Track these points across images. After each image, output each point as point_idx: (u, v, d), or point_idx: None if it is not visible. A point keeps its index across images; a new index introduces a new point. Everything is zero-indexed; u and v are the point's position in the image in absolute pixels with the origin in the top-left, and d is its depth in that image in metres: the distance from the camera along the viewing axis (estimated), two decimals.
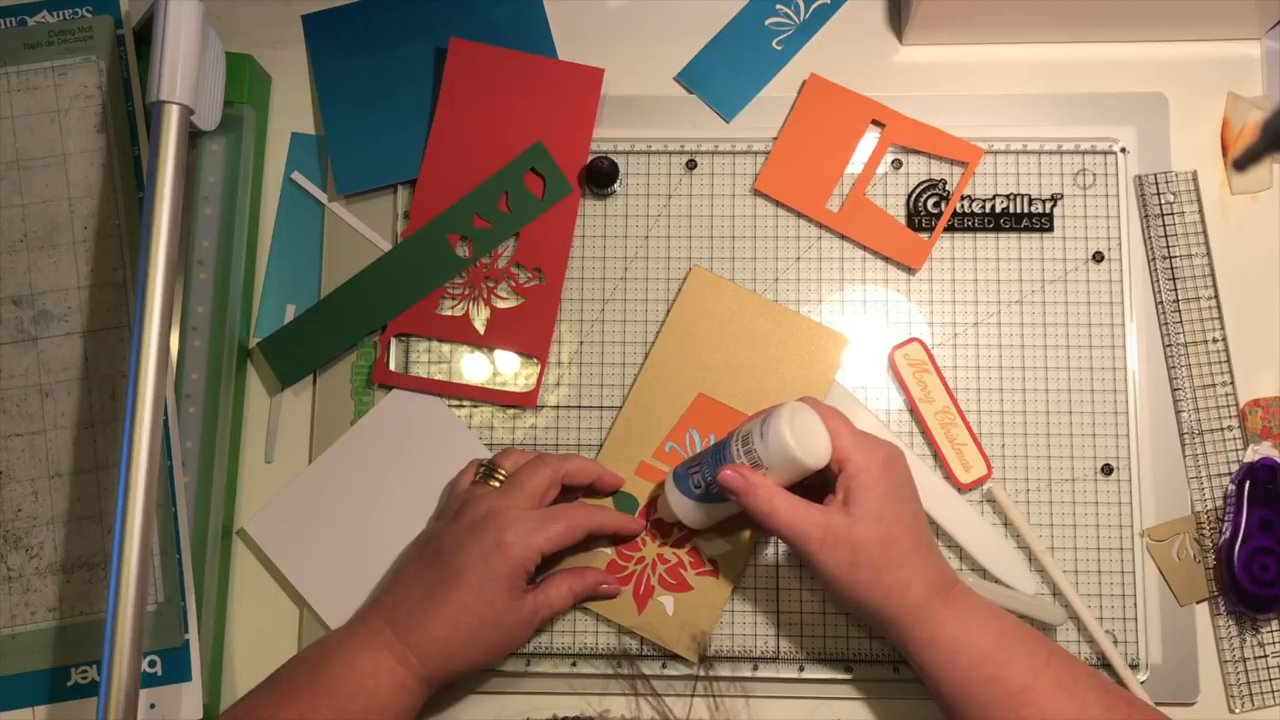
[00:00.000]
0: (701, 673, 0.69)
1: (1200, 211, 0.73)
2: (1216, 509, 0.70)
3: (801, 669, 0.70)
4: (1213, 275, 0.72)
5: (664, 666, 0.70)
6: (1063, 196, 0.73)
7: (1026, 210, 0.73)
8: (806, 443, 0.61)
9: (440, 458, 0.72)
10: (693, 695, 0.69)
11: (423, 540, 0.68)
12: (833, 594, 0.63)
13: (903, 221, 0.73)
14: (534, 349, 0.73)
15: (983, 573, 0.70)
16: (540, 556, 0.64)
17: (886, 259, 0.73)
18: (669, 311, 0.73)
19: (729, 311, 0.72)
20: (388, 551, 0.70)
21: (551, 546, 0.64)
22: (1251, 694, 0.69)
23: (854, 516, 0.60)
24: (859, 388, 0.72)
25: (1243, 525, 0.68)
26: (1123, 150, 0.74)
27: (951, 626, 0.60)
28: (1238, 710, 0.69)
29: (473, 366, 0.73)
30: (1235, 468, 0.71)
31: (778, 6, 0.77)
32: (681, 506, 0.66)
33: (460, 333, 0.73)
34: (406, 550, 0.69)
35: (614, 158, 0.73)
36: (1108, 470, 0.71)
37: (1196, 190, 0.73)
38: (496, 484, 0.67)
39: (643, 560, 0.70)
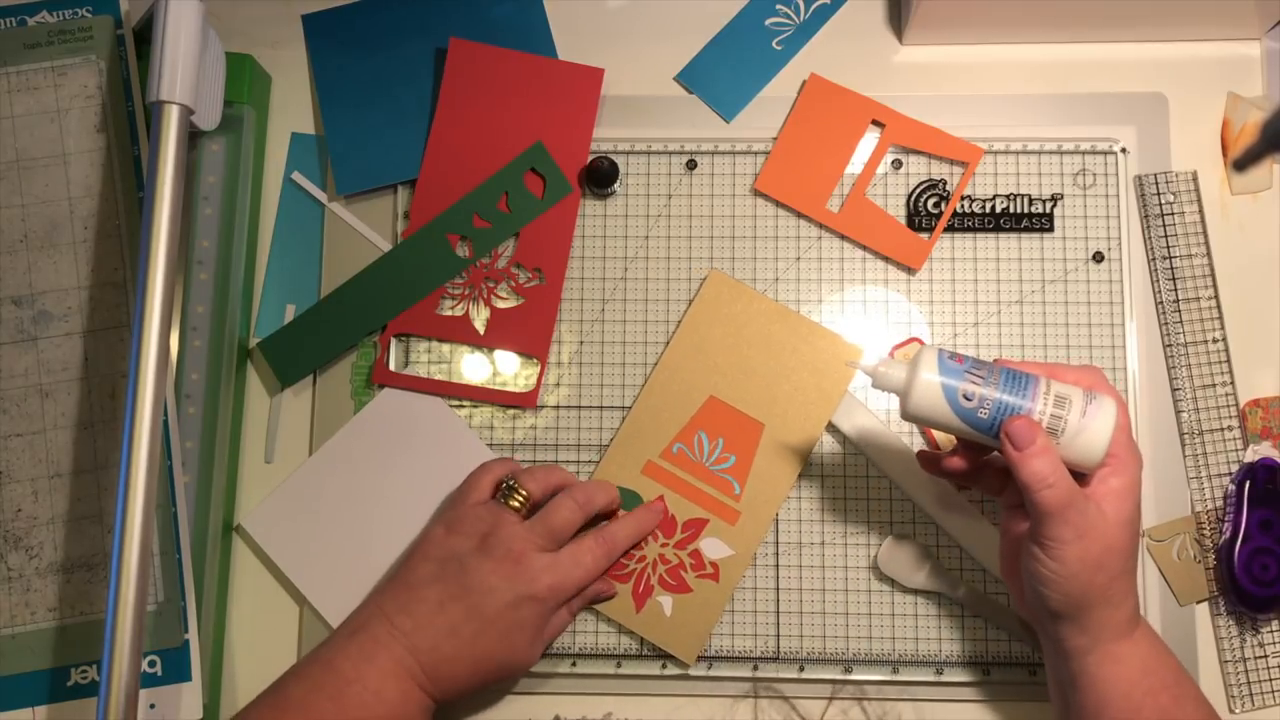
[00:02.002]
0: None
1: (1200, 211, 0.73)
2: (1216, 509, 0.70)
3: (801, 669, 0.70)
4: (1213, 275, 0.72)
5: (664, 667, 0.70)
6: (1063, 196, 0.73)
7: (1026, 210, 0.73)
8: (1106, 446, 0.56)
9: (437, 451, 0.72)
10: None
11: (440, 557, 0.64)
12: (1043, 583, 0.57)
13: (903, 221, 0.73)
14: (534, 349, 0.73)
15: (984, 573, 0.70)
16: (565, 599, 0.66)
17: (886, 259, 0.73)
18: (685, 313, 0.72)
19: (745, 316, 0.72)
20: (385, 545, 0.71)
21: (576, 591, 0.66)
22: (1251, 694, 0.69)
23: (1112, 521, 0.57)
24: (859, 387, 0.72)
25: (1243, 525, 0.68)
26: (1123, 150, 0.74)
27: (1144, 649, 0.59)
28: (1238, 710, 0.69)
29: (473, 366, 0.73)
30: (1235, 468, 0.71)
31: (778, 6, 0.77)
32: (927, 393, 0.57)
33: (460, 333, 0.73)
34: (418, 555, 0.65)
35: (614, 158, 0.73)
36: None
37: (1196, 190, 0.73)
38: (517, 505, 0.66)
39: (644, 559, 0.70)
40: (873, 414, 0.71)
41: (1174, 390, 0.72)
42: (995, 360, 0.59)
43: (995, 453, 0.60)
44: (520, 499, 0.66)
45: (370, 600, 0.65)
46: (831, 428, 0.71)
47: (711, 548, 0.70)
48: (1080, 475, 0.57)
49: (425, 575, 0.64)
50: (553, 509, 0.66)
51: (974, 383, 0.57)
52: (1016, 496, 0.59)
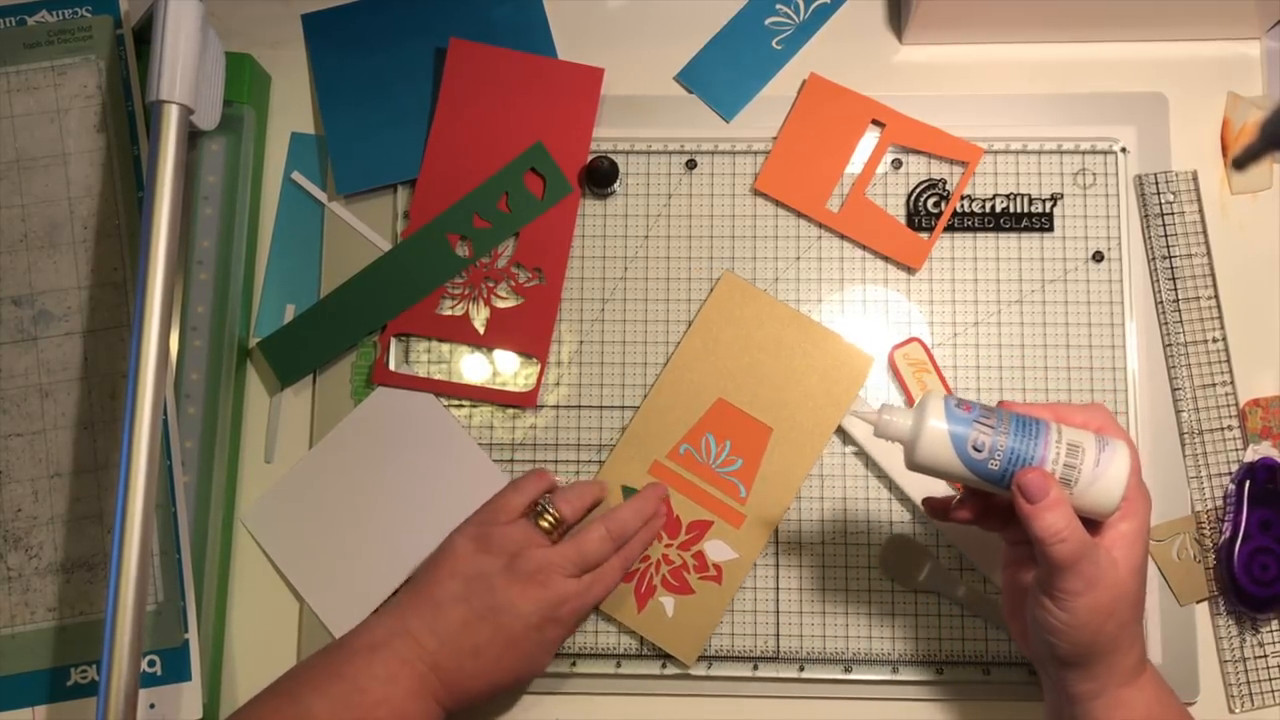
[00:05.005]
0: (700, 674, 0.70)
1: (1200, 211, 0.73)
2: (1216, 509, 0.70)
3: (801, 669, 0.70)
4: (1213, 275, 0.72)
5: (664, 667, 0.70)
6: (1063, 196, 0.73)
7: (1026, 210, 0.73)
8: (1121, 496, 0.55)
9: (430, 448, 0.72)
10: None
11: (467, 574, 0.64)
12: (1051, 632, 0.56)
13: (903, 221, 0.73)
14: (534, 349, 0.73)
15: (984, 580, 0.70)
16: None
17: (886, 259, 0.73)
18: (696, 314, 0.72)
19: (756, 320, 0.72)
20: (379, 542, 0.71)
21: (595, 605, 0.68)
22: (1251, 694, 0.69)
23: (1123, 568, 0.56)
24: (868, 391, 0.72)
25: (1243, 525, 0.68)
26: (1123, 150, 0.74)
27: (1149, 694, 0.58)
28: (1238, 710, 0.69)
29: (472, 366, 0.73)
30: (1235, 468, 0.71)
31: (778, 6, 0.77)
32: (934, 442, 0.55)
33: (460, 333, 0.73)
34: (444, 571, 0.65)
35: (614, 158, 0.73)
36: None
37: (1196, 190, 0.73)
38: (547, 526, 0.66)
39: (647, 559, 0.70)
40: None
41: (1174, 390, 0.72)
42: (1000, 403, 0.57)
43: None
44: (551, 520, 0.66)
45: (393, 613, 0.64)
46: (839, 432, 0.71)
47: (715, 550, 0.70)
48: (1091, 521, 0.56)
49: (452, 593, 0.64)
50: (585, 540, 0.65)
51: (983, 431, 0.55)
52: (1019, 533, 0.58)
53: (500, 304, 0.73)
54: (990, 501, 0.59)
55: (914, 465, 0.56)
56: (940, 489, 0.67)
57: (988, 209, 0.73)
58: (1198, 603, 0.70)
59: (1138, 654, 0.58)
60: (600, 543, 0.66)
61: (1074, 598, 0.55)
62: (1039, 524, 0.54)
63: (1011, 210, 0.73)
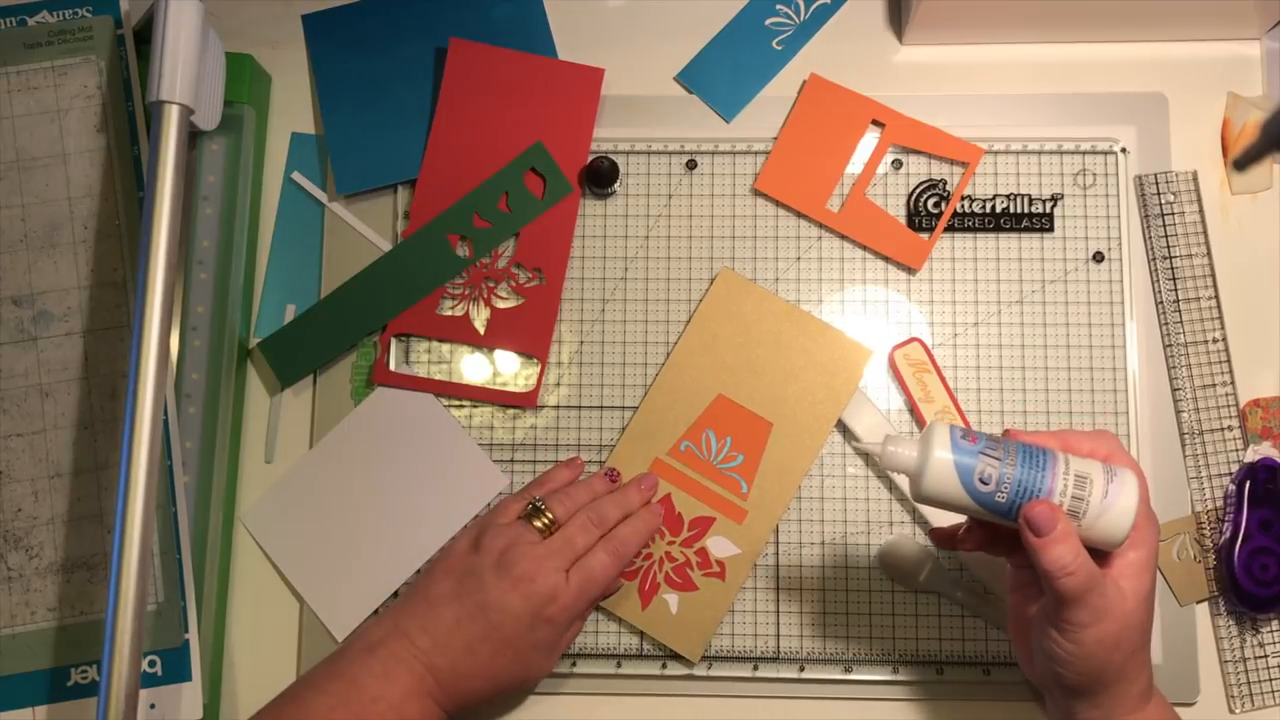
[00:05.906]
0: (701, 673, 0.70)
1: (1200, 211, 0.73)
2: (1216, 509, 0.70)
3: (801, 669, 0.70)
4: (1213, 275, 0.72)
5: (664, 667, 0.70)
6: (1063, 196, 0.73)
7: (1026, 210, 0.73)
8: (1130, 527, 0.54)
9: (429, 447, 0.72)
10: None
11: (460, 572, 0.65)
12: (1059, 662, 0.56)
13: (903, 221, 0.73)
14: (534, 349, 0.73)
15: (984, 587, 0.70)
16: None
17: (886, 259, 0.73)
18: (694, 311, 0.72)
19: (755, 315, 0.72)
20: (379, 541, 0.71)
21: (591, 606, 0.67)
22: (1251, 694, 0.69)
23: (1130, 598, 0.55)
24: (859, 387, 0.72)
25: (1243, 525, 0.68)
26: (1123, 150, 0.74)
27: None
28: (1238, 710, 0.69)
29: (473, 367, 0.73)
30: (1235, 468, 0.71)
31: (778, 6, 0.77)
32: (940, 473, 0.54)
33: (460, 333, 0.73)
34: (439, 570, 0.65)
35: (614, 158, 0.73)
36: None
37: (1196, 190, 0.73)
38: (541, 526, 0.66)
39: (650, 556, 0.70)
40: (881, 413, 0.71)
41: (1174, 390, 0.72)
42: (1006, 432, 0.56)
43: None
44: (546, 520, 0.66)
45: (390, 614, 0.64)
46: (839, 425, 0.71)
47: (718, 546, 0.70)
48: (1098, 550, 0.55)
49: (444, 592, 0.64)
50: (569, 530, 0.66)
51: (990, 463, 0.54)
52: (1026, 559, 0.57)
53: (500, 304, 0.73)
54: (997, 529, 0.58)
55: (920, 497, 0.56)
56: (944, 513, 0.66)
57: (988, 209, 0.73)
58: (1198, 603, 0.70)
59: (1145, 681, 0.57)
60: (583, 529, 0.66)
61: (1081, 629, 0.54)
62: (1046, 557, 0.53)
63: (1011, 210, 0.73)
